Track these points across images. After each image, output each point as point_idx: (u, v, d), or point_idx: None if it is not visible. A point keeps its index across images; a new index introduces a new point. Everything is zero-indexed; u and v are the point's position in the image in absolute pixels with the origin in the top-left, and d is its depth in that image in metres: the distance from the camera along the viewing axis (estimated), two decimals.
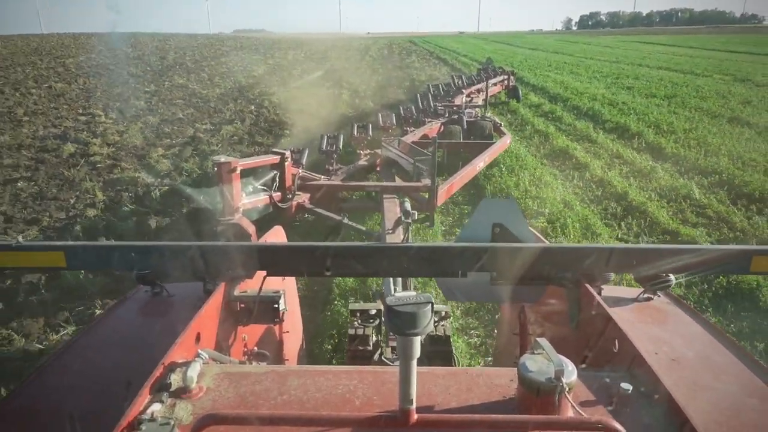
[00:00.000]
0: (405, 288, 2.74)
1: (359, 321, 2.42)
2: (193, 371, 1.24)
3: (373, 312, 2.46)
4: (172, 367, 1.29)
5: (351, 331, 2.38)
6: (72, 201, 7.39)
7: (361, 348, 2.33)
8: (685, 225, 6.51)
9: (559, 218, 6.54)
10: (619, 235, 6.32)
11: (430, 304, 0.98)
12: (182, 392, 1.22)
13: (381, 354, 2.41)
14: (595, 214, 6.90)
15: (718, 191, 7.66)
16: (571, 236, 6.08)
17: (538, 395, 1.10)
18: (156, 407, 1.16)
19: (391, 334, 2.40)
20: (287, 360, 2.32)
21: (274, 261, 1.71)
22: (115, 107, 14.56)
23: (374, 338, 2.39)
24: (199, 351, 1.35)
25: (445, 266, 1.67)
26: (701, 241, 5.97)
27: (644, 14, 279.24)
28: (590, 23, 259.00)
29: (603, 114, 13.26)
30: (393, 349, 2.47)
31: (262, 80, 20.52)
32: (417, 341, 0.99)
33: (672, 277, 1.76)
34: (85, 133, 11.45)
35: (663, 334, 1.64)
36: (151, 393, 1.21)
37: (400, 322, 0.96)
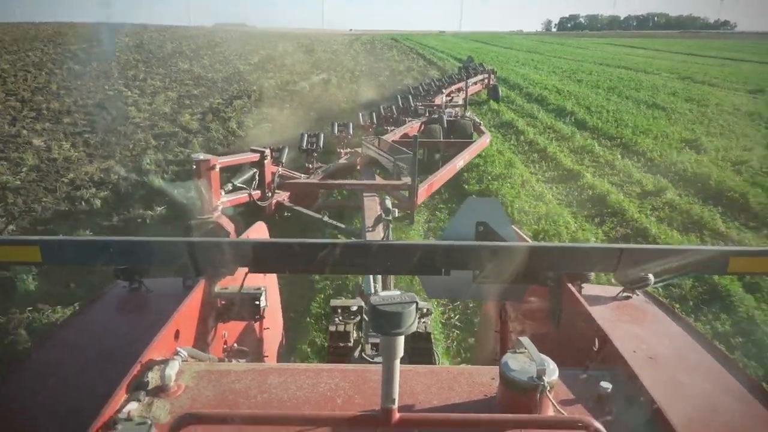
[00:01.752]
0: (385, 285, 2.76)
1: (340, 317, 2.39)
2: (172, 369, 1.22)
3: (354, 309, 2.43)
4: (149, 365, 1.26)
5: (332, 328, 2.35)
6: (131, 145, 9.82)
7: (341, 345, 2.30)
8: (581, 166, 9.20)
9: (493, 160, 9.17)
10: (532, 171, 8.99)
11: (414, 304, 0.98)
12: (160, 391, 1.21)
13: (362, 351, 2.40)
14: (519, 159, 9.58)
15: (615, 150, 10.40)
16: (497, 169, 8.70)
17: (520, 394, 1.12)
18: (132, 406, 1.14)
19: (372, 331, 2.41)
20: (267, 357, 2.29)
21: (258, 257, 1.69)
22: (135, 85, 16.89)
23: (355, 335, 2.36)
24: (178, 348, 1.33)
25: (429, 264, 1.66)
26: (585, 178, 8.64)
27: (622, 18, 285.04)
28: (569, 25, 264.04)
29: (548, 98, 16.06)
30: (373, 345, 2.46)
31: (258, 67, 22.96)
32: (401, 341, 1.00)
33: (651, 276, 1.78)
34: (118, 102, 13.82)
35: (641, 332, 1.64)
36: (127, 392, 1.18)
37: (385, 321, 0.97)
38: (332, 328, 2.34)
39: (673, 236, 6.20)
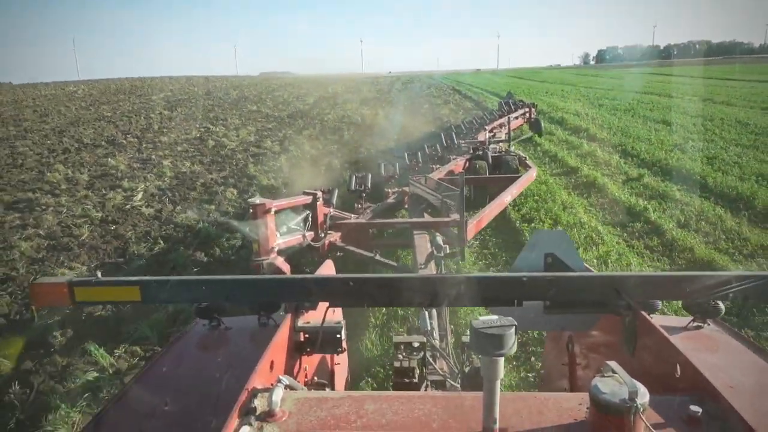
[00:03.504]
0: (440, 321, 2.95)
1: (403, 354, 2.41)
2: (277, 396, 1.28)
3: (416, 345, 2.44)
4: (254, 393, 1.33)
5: (396, 364, 2.37)
6: (234, 162, 12.96)
7: (406, 380, 2.33)
8: (583, 164, 11.68)
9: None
10: (543, 169, 11.54)
11: (514, 327, 1.04)
12: (267, 416, 1.27)
13: (426, 387, 2.42)
14: (535, 162, 12.18)
15: (614, 153, 12.85)
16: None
17: (613, 416, 1.11)
18: (245, 430, 1.21)
19: (431, 367, 2.53)
20: (338, 389, 2.33)
21: (338, 292, 1.75)
22: (218, 123, 20.46)
23: (418, 371, 2.38)
24: (279, 377, 1.39)
25: (502, 295, 1.69)
26: (583, 171, 11.11)
27: (662, 47, 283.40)
28: (607, 57, 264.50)
29: (567, 120, 18.62)
30: (433, 383, 2.51)
31: (315, 106, 26.49)
32: (501, 362, 1.04)
33: (721, 304, 1.75)
34: (213, 135, 17.24)
35: (717, 361, 1.60)
36: (239, 417, 1.25)
37: (487, 343, 1.02)
38: (397, 364, 2.36)
39: (638, 202, 8.63)
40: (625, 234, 7.36)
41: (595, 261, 6.18)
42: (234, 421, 1.22)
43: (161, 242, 7.51)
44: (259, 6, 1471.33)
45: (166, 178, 11.44)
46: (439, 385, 2.48)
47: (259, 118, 22.36)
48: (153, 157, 13.91)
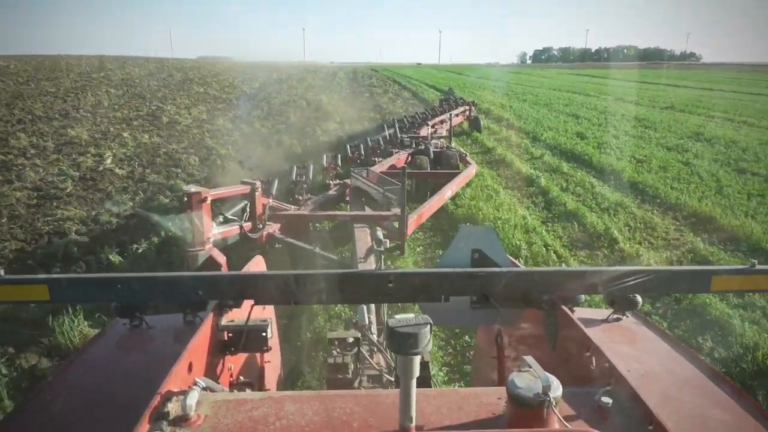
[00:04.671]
0: (378, 315, 2.99)
1: (338, 350, 2.39)
2: (192, 399, 1.24)
3: (351, 341, 2.44)
4: (168, 396, 1.29)
5: (330, 360, 2.35)
6: (189, 135, 14.20)
7: (340, 376, 2.31)
8: (499, 147, 13.75)
9: None
10: (468, 149, 13.53)
11: (429, 325, 1.06)
12: (181, 420, 1.22)
13: (360, 382, 2.42)
14: (461, 144, 14.17)
15: (526, 138, 15.05)
16: None
17: (527, 410, 1.16)
18: None
19: (366, 362, 2.51)
20: (268, 389, 2.30)
21: (265, 290, 1.72)
22: (168, 102, 21.34)
23: (352, 366, 2.37)
24: (196, 379, 1.37)
25: (429, 291, 1.71)
26: (497, 151, 13.17)
27: (593, 50, 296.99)
28: (543, 58, 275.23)
29: (492, 111, 20.92)
30: (369, 378, 2.49)
31: (261, 90, 27.64)
32: (417, 360, 1.07)
33: (639, 298, 1.85)
34: (166, 113, 18.22)
35: (633, 352, 1.71)
36: (150, 422, 1.21)
37: (402, 342, 1.04)
38: (330, 360, 2.33)
39: (534, 173, 10.72)
40: (519, 194, 9.40)
41: (490, 209, 8.11)
42: (144, 426, 1.18)
43: (141, 193, 8.87)
44: None
45: (129, 147, 12.58)
46: (375, 379, 2.47)
47: (208, 99, 23.35)
48: (111, 129, 14.88)
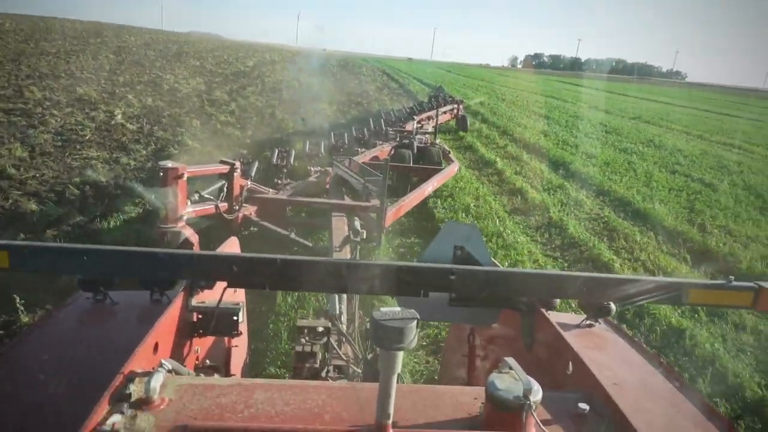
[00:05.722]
0: (350, 306, 2.92)
1: (306, 338, 2.33)
2: (156, 381, 1.19)
3: (321, 329, 2.37)
4: (131, 377, 1.23)
5: (298, 348, 2.29)
6: (187, 103, 15.48)
7: (307, 365, 2.26)
8: (469, 136, 15.29)
9: None
10: (443, 138, 15.06)
11: (415, 320, 1.02)
12: (143, 403, 1.17)
13: (327, 372, 2.38)
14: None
15: (496, 131, 16.65)
16: None
17: (505, 413, 1.14)
18: (116, 418, 1.11)
19: (335, 351, 2.48)
20: (233, 374, 2.26)
21: (239, 272, 1.64)
22: (167, 71, 22.45)
23: (320, 356, 2.32)
24: (162, 361, 1.31)
25: (409, 285, 1.68)
26: (466, 139, 14.72)
27: (583, 60, 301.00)
28: (534, 63, 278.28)
29: (469, 107, 22.44)
30: (336, 368, 2.47)
31: (255, 68, 28.81)
32: (400, 356, 1.03)
33: (613, 305, 1.87)
34: (166, 81, 19.38)
35: (605, 359, 1.70)
36: (110, 404, 1.15)
37: (387, 336, 1.00)
38: (299, 348, 2.28)
39: (495, 159, 12.27)
40: (477, 173, 10.98)
41: (451, 181, 9.62)
42: (104, 408, 1.13)
43: (153, 144, 10.21)
44: None
45: (135, 108, 13.82)
46: (342, 370, 2.47)
47: (204, 72, 24.49)
48: (116, 91, 16.06)
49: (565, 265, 6.60)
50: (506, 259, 6.30)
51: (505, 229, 7.35)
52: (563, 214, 8.40)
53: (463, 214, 7.85)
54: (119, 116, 12.43)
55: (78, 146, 9.55)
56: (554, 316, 1.85)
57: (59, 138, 9.98)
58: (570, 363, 1.55)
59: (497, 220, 7.83)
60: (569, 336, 1.71)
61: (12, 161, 8.04)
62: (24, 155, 8.49)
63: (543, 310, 1.81)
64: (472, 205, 8.31)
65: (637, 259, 6.90)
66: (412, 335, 1.01)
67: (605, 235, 7.78)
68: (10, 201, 6.54)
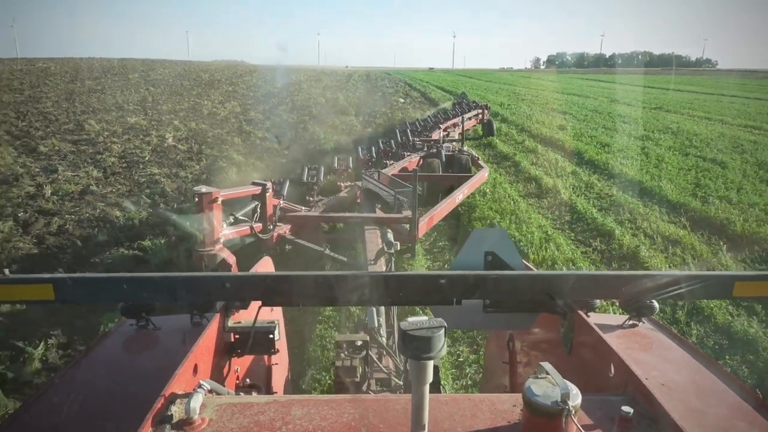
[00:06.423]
0: (388, 318, 2.91)
1: (345, 353, 2.33)
2: (196, 402, 1.23)
3: (359, 343, 2.35)
4: (172, 399, 1.27)
5: (338, 363, 2.28)
6: (226, 125, 16.89)
7: (348, 380, 2.25)
8: (498, 137, 16.22)
9: None
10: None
11: (443, 329, 1.00)
12: (184, 424, 1.21)
13: (368, 386, 2.39)
14: None
15: (515, 129, 17.52)
16: None
17: (545, 419, 1.12)
18: None
19: (375, 365, 2.46)
20: (275, 392, 2.28)
21: (272, 291, 1.67)
22: (203, 98, 24.14)
23: (360, 370, 2.30)
24: (201, 382, 1.34)
25: (441, 294, 1.67)
26: (488, 138, 15.65)
27: (608, 56, 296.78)
28: (557, 63, 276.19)
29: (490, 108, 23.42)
30: (377, 381, 2.47)
31: (284, 89, 30.46)
32: (431, 366, 1.01)
33: (656, 303, 1.81)
34: (205, 107, 20.97)
35: (651, 359, 1.66)
36: (153, 425, 1.19)
37: (415, 346, 0.98)
38: (338, 363, 2.27)
39: (513, 153, 13.17)
40: (496, 165, 11.92)
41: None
42: (147, 429, 1.17)
43: (204, 160, 11.54)
44: None
45: (182, 131, 15.28)
46: (384, 383, 2.47)
47: (237, 96, 26.14)
48: (162, 118, 17.63)
49: (572, 235, 7.50)
50: (518, 230, 7.26)
51: (518, 209, 8.30)
52: (573, 195, 9.27)
53: (480, 198, 8.83)
54: (170, 139, 13.87)
55: (141, 165, 10.94)
56: (595, 318, 1.81)
57: (123, 160, 11.41)
58: (612, 365, 1.50)
59: (512, 202, 8.77)
60: (611, 337, 1.67)
61: (91, 181, 9.43)
62: (99, 175, 9.89)
63: (582, 312, 1.77)
64: (488, 192, 9.28)
65: (639, 227, 7.74)
66: (441, 344, 1.00)
67: (611, 210, 8.63)
68: (98, 210, 7.86)
